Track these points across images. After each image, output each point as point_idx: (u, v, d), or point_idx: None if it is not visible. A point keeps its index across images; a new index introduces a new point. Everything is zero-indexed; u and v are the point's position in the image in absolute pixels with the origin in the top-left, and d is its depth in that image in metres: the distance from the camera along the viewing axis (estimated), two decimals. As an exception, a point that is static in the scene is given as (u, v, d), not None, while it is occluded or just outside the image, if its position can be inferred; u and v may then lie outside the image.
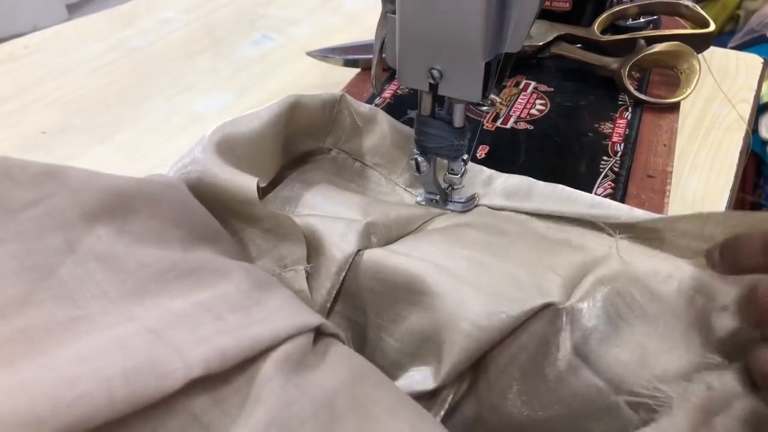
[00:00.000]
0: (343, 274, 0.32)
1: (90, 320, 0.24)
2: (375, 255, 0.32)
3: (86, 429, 0.19)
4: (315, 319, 0.27)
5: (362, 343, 0.33)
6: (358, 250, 0.32)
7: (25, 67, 0.66)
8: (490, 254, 0.32)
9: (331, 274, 0.32)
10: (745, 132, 0.61)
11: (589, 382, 0.27)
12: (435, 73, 0.32)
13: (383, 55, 0.35)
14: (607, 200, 0.37)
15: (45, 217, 0.26)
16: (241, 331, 0.24)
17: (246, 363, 0.24)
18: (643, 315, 0.29)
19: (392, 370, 0.33)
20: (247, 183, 0.31)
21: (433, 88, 0.33)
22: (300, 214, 0.36)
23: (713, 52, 0.72)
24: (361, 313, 0.33)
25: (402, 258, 0.31)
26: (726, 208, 0.53)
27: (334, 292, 0.33)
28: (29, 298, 0.23)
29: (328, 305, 0.33)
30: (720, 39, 1.32)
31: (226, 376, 0.23)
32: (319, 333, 0.27)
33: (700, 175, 0.56)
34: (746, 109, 0.64)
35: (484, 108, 0.34)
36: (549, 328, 0.28)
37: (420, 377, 0.30)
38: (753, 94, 0.67)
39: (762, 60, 0.73)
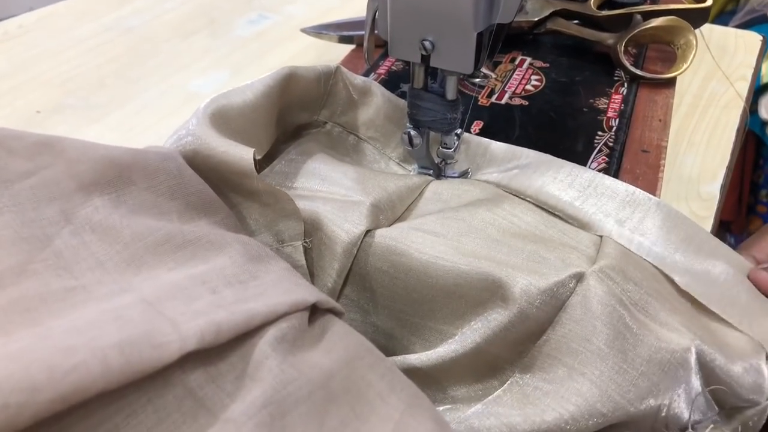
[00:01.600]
0: (353, 255, 0.32)
1: (86, 290, 0.24)
2: (388, 239, 0.32)
3: (82, 397, 0.19)
4: (312, 294, 0.27)
5: (366, 326, 0.34)
6: (368, 231, 0.32)
7: (20, 47, 0.66)
8: (502, 233, 0.33)
9: (337, 254, 0.32)
10: (743, 110, 0.61)
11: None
12: (427, 44, 0.32)
13: (375, 30, 0.35)
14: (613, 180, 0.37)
15: (41, 187, 0.26)
16: (237, 306, 0.24)
17: (241, 339, 0.24)
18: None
19: (395, 349, 0.33)
20: (243, 154, 0.31)
21: (425, 59, 0.33)
22: (297, 190, 0.36)
23: (712, 30, 0.72)
24: (370, 295, 0.33)
25: (421, 242, 0.31)
26: (721, 185, 0.53)
27: (345, 273, 0.32)
28: (25, 268, 0.23)
29: (339, 288, 0.33)
30: (721, 18, 1.31)
31: (222, 351, 0.23)
32: (315, 308, 0.27)
33: (697, 152, 0.55)
34: (744, 87, 0.64)
35: (477, 80, 0.34)
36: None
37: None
38: (751, 71, 0.67)
39: (761, 38, 0.72)
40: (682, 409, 0.28)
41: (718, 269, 0.33)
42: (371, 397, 0.24)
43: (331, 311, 0.28)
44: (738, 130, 0.59)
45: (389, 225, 0.34)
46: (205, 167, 0.31)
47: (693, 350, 0.29)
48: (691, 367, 0.28)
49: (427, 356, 0.30)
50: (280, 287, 0.27)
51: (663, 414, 0.28)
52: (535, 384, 0.29)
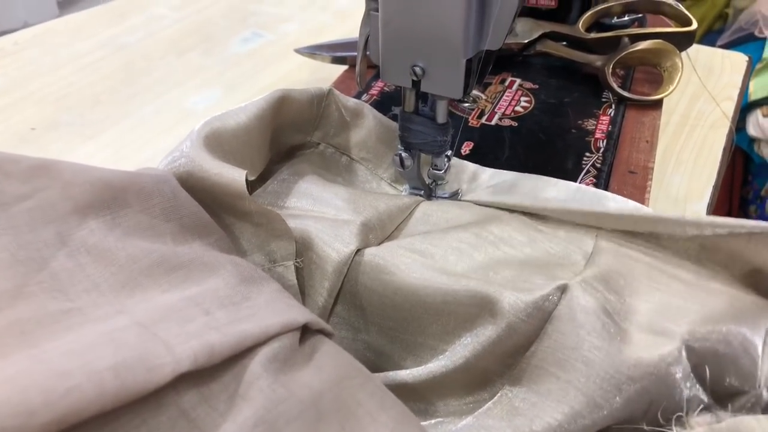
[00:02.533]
0: (344, 274, 0.33)
1: (81, 313, 0.24)
2: (377, 258, 0.32)
3: (77, 420, 0.19)
4: (302, 315, 0.27)
5: (357, 344, 0.34)
6: (358, 250, 0.33)
7: (15, 63, 0.66)
8: (490, 253, 0.33)
9: (327, 273, 0.32)
10: (729, 129, 0.62)
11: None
12: (417, 70, 0.33)
13: (367, 53, 0.36)
14: (593, 190, 0.37)
15: (37, 210, 0.27)
16: (229, 327, 0.25)
17: (234, 359, 0.24)
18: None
19: (385, 365, 0.33)
20: (236, 176, 0.31)
21: (416, 84, 0.34)
22: (289, 210, 0.37)
23: (699, 50, 0.73)
24: (360, 313, 0.33)
25: (410, 265, 0.32)
26: (708, 203, 0.54)
27: (335, 292, 0.33)
28: (21, 291, 0.24)
29: (330, 306, 0.33)
30: (709, 37, 1.33)
31: (214, 372, 0.23)
32: (306, 329, 0.28)
33: (684, 172, 0.56)
34: (730, 106, 0.65)
35: (466, 104, 0.35)
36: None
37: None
38: (737, 91, 0.68)
39: (747, 58, 0.74)
40: (675, 407, 0.29)
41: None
42: (361, 415, 0.25)
43: (321, 332, 0.28)
44: (724, 149, 0.60)
45: (378, 244, 0.34)
46: (198, 189, 0.32)
47: (683, 351, 0.29)
48: (681, 367, 0.29)
49: (418, 372, 0.31)
50: (272, 308, 0.27)
51: (657, 415, 0.28)
52: (524, 396, 0.29)
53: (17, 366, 0.20)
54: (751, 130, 1.17)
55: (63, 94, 0.62)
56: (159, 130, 0.57)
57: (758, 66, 1.17)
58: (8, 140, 0.55)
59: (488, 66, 0.34)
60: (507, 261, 0.33)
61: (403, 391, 0.30)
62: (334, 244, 0.33)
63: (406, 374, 0.31)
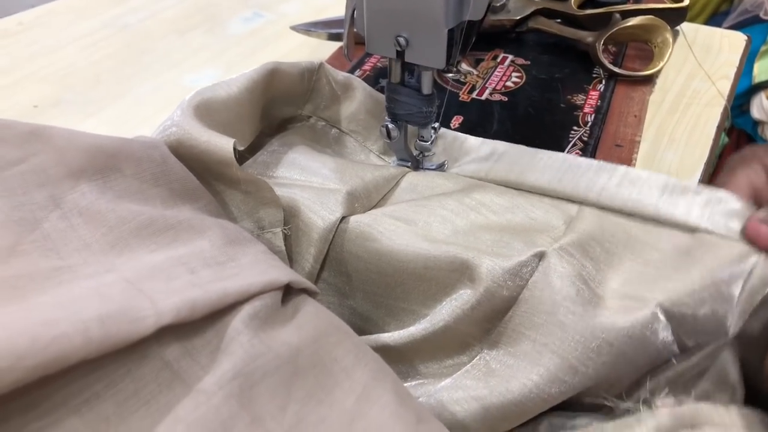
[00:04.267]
0: (329, 241, 0.34)
1: (72, 270, 0.25)
2: (362, 225, 0.33)
3: (63, 365, 0.20)
4: (285, 275, 0.28)
5: (343, 309, 0.35)
6: (343, 217, 0.34)
7: (19, 43, 0.67)
8: (472, 219, 0.34)
9: (313, 240, 0.34)
10: (723, 107, 0.62)
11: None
12: (401, 40, 0.34)
13: (354, 28, 0.36)
14: (584, 159, 0.38)
15: (30, 173, 0.28)
16: (212, 285, 0.26)
17: (216, 316, 0.25)
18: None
19: (370, 330, 0.34)
20: (224, 144, 0.32)
21: (400, 55, 0.35)
22: (278, 179, 0.38)
23: (698, 30, 0.73)
24: (346, 279, 0.34)
25: (392, 232, 0.33)
26: (699, 180, 0.54)
27: (321, 258, 0.34)
28: (14, 249, 0.25)
29: (316, 272, 0.34)
30: (715, 19, 1.32)
31: (198, 326, 0.25)
32: (289, 289, 0.29)
33: (677, 148, 0.57)
34: (726, 85, 0.65)
35: (450, 75, 0.35)
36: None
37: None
38: (734, 70, 0.68)
39: (746, 37, 0.73)
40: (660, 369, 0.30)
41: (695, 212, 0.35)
42: (336, 371, 0.26)
43: (305, 291, 0.29)
44: (718, 127, 0.60)
45: (364, 212, 0.35)
46: (188, 156, 0.33)
47: (660, 315, 0.30)
48: (661, 330, 0.30)
49: (399, 335, 0.32)
50: (256, 268, 0.28)
51: (646, 380, 0.29)
52: (501, 358, 0.30)
53: (8, 316, 0.21)
54: (755, 112, 1.17)
55: (65, 72, 0.63)
56: (158, 108, 0.58)
57: (763, 48, 1.17)
58: (11, 116, 0.55)
59: (471, 36, 0.35)
60: (488, 226, 0.34)
61: (386, 354, 0.31)
62: (320, 212, 0.33)
63: (388, 337, 0.32)
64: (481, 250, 0.31)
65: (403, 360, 0.33)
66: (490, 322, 0.31)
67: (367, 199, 0.36)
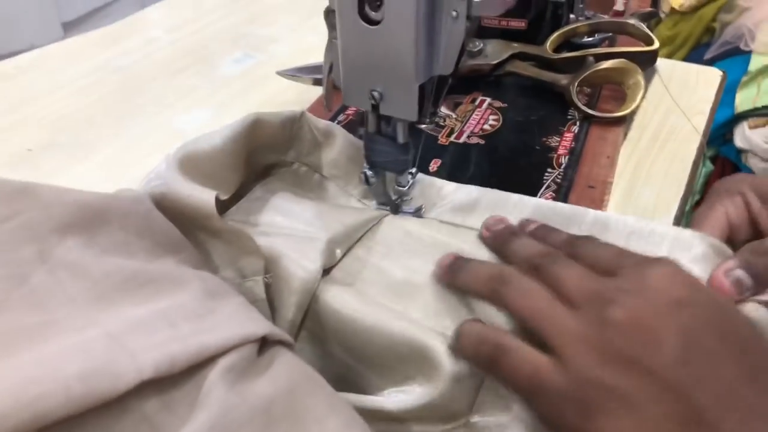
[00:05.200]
0: (312, 292, 0.35)
1: (57, 325, 0.26)
2: (336, 296, 0.35)
3: (46, 423, 0.21)
4: (262, 328, 0.29)
5: (325, 359, 0.36)
6: (325, 271, 0.35)
7: (16, 87, 0.69)
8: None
9: (294, 289, 0.35)
10: (699, 143, 0.64)
11: None
12: (375, 94, 0.36)
13: (332, 77, 0.38)
14: (556, 204, 0.40)
15: (18, 230, 0.29)
16: (191, 338, 0.27)
17: (195, 369, 0.26)
18: None
19: (354, 378, 0.36)
20: (206, 198, 0.34)
21: (375, 108, 0.36)
22: (260, 227, 0.39)
23: (675, 66, 0.75)
24: (325, 331, 0.35)
25: (361, 309, 0.34)
26: (675, 216, 0.56)
27: (304, 308, 0.35)
28: (1, 305, 0.26)
29: (299, 321, 0.35)
30: (697, 51, 1.35)
31: (176, 380, 0.26)
32: (266, 341, 0.30)
33: (653, 185, 0.58)
34: (702, 121, 0.67)
35: (423, 126, 0.37)
36: None
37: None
38: (709, 106, 0.70)
39: (721, 73, 0.76)
40: None
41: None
42: (309, 420, 0.27)
43: (281, 343, 0.31)
44: (694, 163, 0.62)
45: (344, 253, 0.37)
46: (172, 209, 0.34)
47: None
48: None
49: (387, 402, 0.33)
50: (234, 321, 0.29)
51: None
52: (486, 421, 0.32)
53: None
54: (738, 141, 1.19)
55: (59, 116, 0.65)
56: (149, 150, 0.60)
57: (744, 79, 1.20)
58: (5, 161, 0.58)
59: (443, 89, 0.37)
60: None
61: (373, 415, 0.32)
62: (301, 261, 0.35)
63: (371, 401, 0.33)
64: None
65: (392, 419, 0.33)
66: (474, 394, 0.32)
67: (347, 241, 0.38)
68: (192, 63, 0.75)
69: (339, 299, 0.34)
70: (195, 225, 0.35)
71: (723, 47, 1.27)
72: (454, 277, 0.34)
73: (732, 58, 1.23)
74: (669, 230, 0.38)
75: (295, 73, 0.59)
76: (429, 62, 0.34)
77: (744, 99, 1.17)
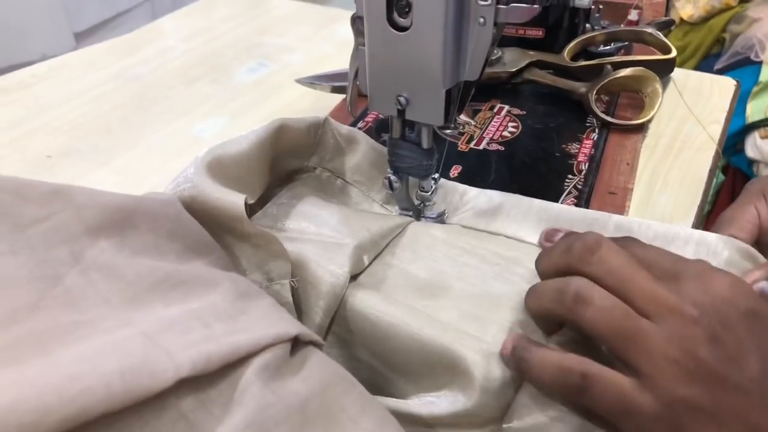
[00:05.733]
0: (340, 297, 0.35)
1: (92, 325, 0.27)
2: (365, 301, 0.35)
3: (88, 418, 0.22)
4: (294, 328, 0.30)
5: (352, 362, 0.36)
6: (352, 277, 0.35)
7: (33, 95, 0.70)
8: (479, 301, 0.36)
9: (322, 293, 0.35)
10: (715, 152, 0.64)
11: None
12: (402, 99, 0.36)
13: (357, 83, 0.39)
14: (579, 210, 0.40)
15: (52, 231, 0.29)
16: (225, 338, 0.27)
17: (229, 368, 0.26)
18: None
19: (381, 382, 0.36)
20: (235, 200, 0.34)
21: (401, 113, 0.37)
22: (287, 232, 0.39)
23: (688, 75, 0.76)
24: (353, 335, 0.36)
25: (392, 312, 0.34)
26: (692, 223, 0.56)
27: (332, 312, 0.35)
28: (38, 305, 0.26)
29: (326, 325, 0.35)
30: (707, 62, 1.35)
31: (212, 379, 0.26)
32: (297, 341, 0.30)
33: (670, 192, 0.58)
34: (717, 130, 0.67)
35: (448, 131, 0.37)
36: None
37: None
38: (724, 115, 0.70)
39: (735, 83, 0.76)
40: None
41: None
42: (343, 420, 0.27)
43: (312, 343, 0.31)
44: (710, 171, 0.62)
45: (371, 261, 0.37)
46: (201, 211, 0.35)
47: None
48: None
49: (417, 406, 0.33)
50: (266, 321, 0.29)
51: None
52: (523, 423, 0.31)
53: (34, 370, 0.23)
54: (750, 151, 1.19)
55: (77, 123, 0.65)
56: (167, 157, 0.60)
57: (755, 89, 1.20)
58: (26, 167, 0.58)
59: (468, 95, 0.37)
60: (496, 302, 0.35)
61: (403, 418, 0.32)
62: (329, 266, 0.35)
63: (403, 404, 0.33)
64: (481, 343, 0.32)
65: (423, 423, 0.33)
66: (509, 401, 0.32)
67: (374, 248, 0.38)
68: (207, 71, 0.76)
69: (366, 303, 0.34)
70: (223, 228, 0.35)
71: (733, 58, 1.27)
72: (528, 301, 0.33)
73: (742, 69, 1.24)
74: (693, 234, 0.38)
75: (314, 81, 0.59)
76: (456, 68, 0.35)
77: (755, 109, 1.17)
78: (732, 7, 1.33)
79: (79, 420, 0.22)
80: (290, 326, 0.30)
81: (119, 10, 1.69)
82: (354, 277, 0.36)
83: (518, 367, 0.31)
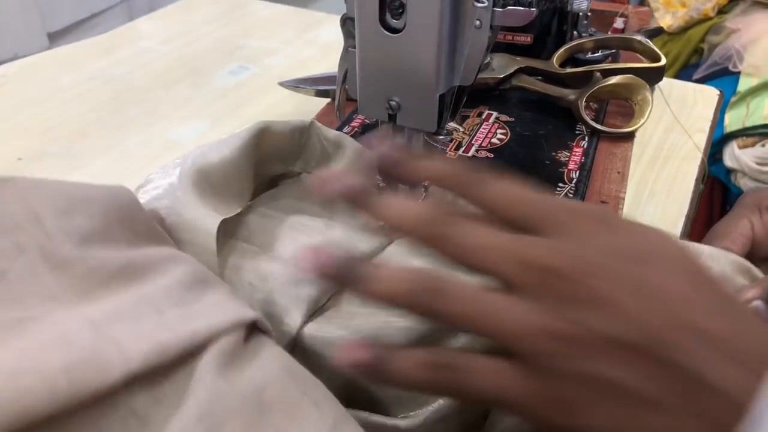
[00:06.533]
0: (292, 344, 0.33)
1: (35, 321, 0.24)
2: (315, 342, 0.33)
3: (29, 422, 0.20)
4: (250, 313, 0.28)
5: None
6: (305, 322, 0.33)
7: (4, 96, 0.67)
8: None
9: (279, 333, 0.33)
10: (701, 161, 0.64)
11: None
12: (393, 104, 0.34)
13: (346, 86, 0.37)
14: None
15: None
16: (181, 326, 0.25)
17: (185, 357, 0.24)
18: None
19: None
20: (210, 229, 0.32)
21: (392, 118, 0.35)
22: (261, 249, 0.37)
23: (672, 84, 0.76)
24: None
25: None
26: (681, 233, 0.55)
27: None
28: None
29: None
30: (685, 72, 1.37)
31: (166, 371, 0.24)
32: (251, 329, 0.28)
33: (657, 202, 0.58)
34: (702, 139, 0.67)
35: (440, 137, 0.36)
36: None
37: None
38: (709, 124, 0.70)
39: (718, 92, 0.76)
40: None
41: None
42: (306, 404, 0.25)
43: (265, 333, 0.29)
44: (696, 180, 0.62)
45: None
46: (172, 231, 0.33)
47: None
48: None
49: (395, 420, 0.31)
50: (222, 307, 0.28)
51: None
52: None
53: None
54: (728, 161, 1.20)
55: (50, 125, 0.63)
56: (144, 162, 0.58)
57: (733, 99, 1.21)
58: (-5, 170, 0.56)
59: (461, 100, 0.36)
60: None
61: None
62: (284, 318, 0.33)
63: (386, 419, 0.32)
64: None
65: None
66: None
67: None
68: (186, 74, 0.74)
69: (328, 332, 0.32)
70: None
71: (711, 68, 1.28)
72: (366, 289, 0.27)
73: (720, 79, 1.25)
74: (688, 246, 0.37)
75: (298, 84, 0.58)
76: (450, 72, 0.33)
77: (733, 119, 1.18)
78: (710, 18, 1.35)
79: (18, 424, 0.19)
80: (247, 312, 0.28)
81: (94, 11, 1.65)
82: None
83: (380, 376, 0.27)
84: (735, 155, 1.18)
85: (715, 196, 1.28)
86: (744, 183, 1.18)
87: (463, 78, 0.34)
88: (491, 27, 0.32)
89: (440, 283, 0.25)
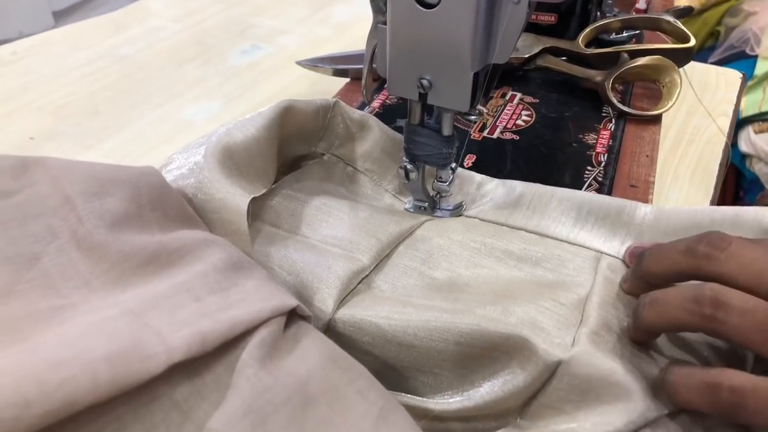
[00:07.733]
0: (325, 328, 0.32)
1: (73, 308, 0.24)
2: (354, 318, 0.32)
3: (72, 411, 0.19)
4: (292, 299, 0.27)
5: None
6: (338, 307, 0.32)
7: (13, 73, 0.66)
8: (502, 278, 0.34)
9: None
10: (725, 144, 0.63)
11: None
12: (424, 82, 0.33)
13: (374, 65, 0.36)
14: (604, 197, 0.38)
15: (26, 204, 0.26)
16: (220, 314, 0.24)
17: (225, 347, 0.24)
18: None
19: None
20: (240, 205, 0.31)
21: (423, 97, 0.34)
22: (288, 232, 0.36)
23: (694, 67, 0.74)
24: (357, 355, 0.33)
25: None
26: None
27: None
28: (12, 289, 0.24)
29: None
30: (701, 54, 1.34)
31: (207, 361, 0.23)
32: (290, 315, 0.27)
33: (681, 186, 0.57)
34: (726, 123, 0.66)
35: (472, 117, 0.35)
36: None
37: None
38: (732, 107, 0.69)
39: (741, 75, 0.74)
40: None
41: None
42: (350, 394, 0.24)
43: (304, 319, 0.28)
44: (720, 164, 0.60)
45: (376, 265, 0.35)
46: (201, 210, 0.32)
47: None
48: None
49: (434, 403, 0.31)
50: (261, 293, 0.27)
51: None
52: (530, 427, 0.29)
53: (11, 358, 0.20)
54: (743, 146, 1.19)
55: (62, 104, 0.62)
56: (158, 141, 0.57)
57: (749, 83, 1.19)
58: (7, 149, 0.54)
59: (494, 79, 0.34)
60: (521, 286, 0.33)
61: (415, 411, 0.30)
62: (315, 302, 0.32)
63: (419, 400, 0.31)
64: (537, 325, 0.30)
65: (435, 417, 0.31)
66: (529, 399, 0.30)
67: (379, 255, 0.35)
68: (199, 53, 0.73)
69: (361, 315, 0.31)
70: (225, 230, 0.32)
71: (728, 51, 1.26)
72: (646, 315, 0.29)
73: (737, 62, 1.23)
74: (727, 211, 0.35)
75: (316, 63, 0.57)
76: (485, 49, 0.32)
77: (749, 103, 1.16)
78: (727, 0, 1.32)
79: (63, 413, 0.19)
80: (287, 299, 0.27)
81: (100, -10, 1.64)
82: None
83: (663, 390, 0.28)
84: (751, 140, 1.17)
85: (729, 181, 1.27)
86: (759, 168, 1.16)
87: (498, 56, 0.33)
88: (529, 4, 0.31)
89: (725, 297, 0.26)
